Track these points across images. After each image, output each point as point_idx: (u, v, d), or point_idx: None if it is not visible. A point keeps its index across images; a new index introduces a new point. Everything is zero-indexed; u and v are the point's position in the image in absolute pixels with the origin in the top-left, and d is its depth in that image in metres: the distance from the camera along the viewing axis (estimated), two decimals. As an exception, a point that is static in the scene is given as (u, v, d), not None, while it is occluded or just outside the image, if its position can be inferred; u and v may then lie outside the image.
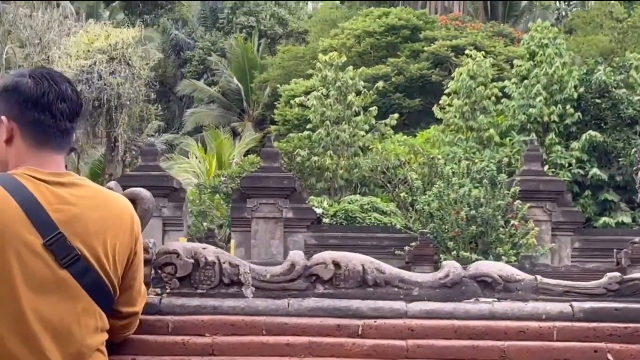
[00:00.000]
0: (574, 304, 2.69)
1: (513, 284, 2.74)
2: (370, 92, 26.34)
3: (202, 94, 39.27)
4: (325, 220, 19.21)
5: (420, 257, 14.81)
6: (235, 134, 35.68)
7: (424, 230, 15.95)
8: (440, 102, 26.19)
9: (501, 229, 16.46)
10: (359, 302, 2.67)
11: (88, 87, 25.46)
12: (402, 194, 19.40)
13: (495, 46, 32.52)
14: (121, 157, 26.05)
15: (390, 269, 2.75)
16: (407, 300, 2.70)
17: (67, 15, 31.95)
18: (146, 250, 2.67)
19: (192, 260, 2.69)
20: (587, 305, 2.68)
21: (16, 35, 29.83)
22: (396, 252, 17.13)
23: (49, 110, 2.10)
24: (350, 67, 25.92)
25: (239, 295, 2.68)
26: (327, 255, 2.74)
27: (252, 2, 44.21)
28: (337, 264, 2.72)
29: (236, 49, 39.73)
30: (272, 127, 32.26)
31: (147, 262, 2.67)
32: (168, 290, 2.68)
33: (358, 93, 25.60)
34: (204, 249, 2.71)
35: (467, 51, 26.57)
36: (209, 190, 22.54)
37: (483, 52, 27.01)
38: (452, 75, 27.00)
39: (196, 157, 29.36)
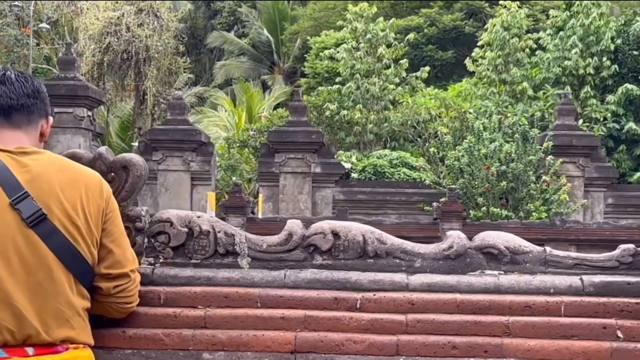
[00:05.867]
0: (584, 277, 2.56)
1: (520, 256, 2.62)
2: (402, 44, 25.90)
3: (233, 46, 39.00)
4: (354, 175, 19.08)
5: (448, 214, 14.60)
6: (265, 87, 35.47)
7: (453, 186, 15.75)
8: (473, 54, 25.68)
9: (532, 185, 16.21)
10: (358, 274, 2.57)
11: (117, 40, 25.41)
12: (432, 149, 19.18)
13: (532, -4, 31.76)
14: (150, 111, 26.06)
15: (392, 240, 2.63)
16: (409, 272, 2.60)
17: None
18: (138, 218, 2.60)
19: (186, 229, 2.61)
20: (598, 279, 2.55)
21: (46, -14, 29.82)
22: (425, 208, 17.02)
23: None
24: (381, 19, 25.47)
25: (234, 266, 2.60)
26: (326, 224, 2.64)
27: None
28: (336, 234, 2.62)
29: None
30: (302, 80, 31.97)
31: (139, 230, 2.60)
32: (161, 260, 2.60)
33: (389, 45, 25.20)
34: (199, 217, 2.63)
35: (501, 1, 25.92)
36: (237, 144, 22.50)
37: (518, 3, 26.31)
38: (486, 26, 26.39)
39: (226, 111, 29.28)
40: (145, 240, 2.61)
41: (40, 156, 2.19)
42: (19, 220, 2.06)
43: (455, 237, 2.63)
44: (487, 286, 2.55)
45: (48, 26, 26.15)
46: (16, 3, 22.81)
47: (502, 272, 2.60)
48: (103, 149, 2.58)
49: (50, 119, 2.34)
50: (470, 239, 2.69)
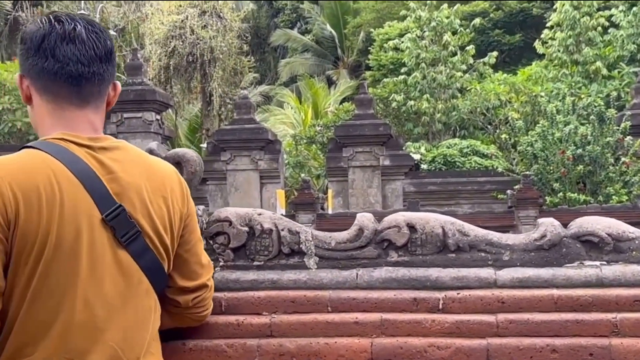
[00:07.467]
0: (702, 265, 2.23)
1: (625, 244, 2.30)
2: (467, 30, 25.27)
3: (296, 44, 38.89)
4: (424, 166, 18.68)
5: (523, 201, 14.14)
6: (330, 82, 35.22)
7: (528, 172, 15.24)
8: (542, 36, 24.89)
9: (611, 168, 15.58)
10: (438, 271, 2.30)
11: (181, 43, 25.58)
12: (503, 136, 18.64)
13: (602, -28, 30.62)
14: (217, 112, 26.12)
15: (476, 231, 2.35)
16: (497, 266, 2.31)
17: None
18: (195, 218, 2.37)
19: (247, 229, 2.38)
20: None
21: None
22: (498, 196, 16.56)
23: (52, 55, 1.79)
24: (445, 5, 24.95)
25: (300, 267, 2.35)
26: (401, 217, 2.37)
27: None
28: (412, 227, 2.35)
29: (328, -6, 39.08)
30: (367, 73, 31.60)
31: (196, 232, 2.38)
32: (221, 263, 2.38)
33: (454, 32, 24.64)
34: (260, 214, 2.39)
35: (569, -20, 25.02)
36: (305, 140, 22.32)
37: (587, -20, 25.36)
38: (554, 6, 25.55)
39: (292, 108, 29.15)
40: (204, 242, 2.38)
41: (120, 154, 1.85)
42: (111, 238, 1.77)
43: (548, 224, 2.33)
44: (589, 279, 2.24)
45: (115, 33, 26.52)
46: (82, 11, 23.17)
47: (604, 262, 2.29)
48: (154, 144, 2.37)
49: (118, 83, 1.93)
50: (557, 226, 2.38)
